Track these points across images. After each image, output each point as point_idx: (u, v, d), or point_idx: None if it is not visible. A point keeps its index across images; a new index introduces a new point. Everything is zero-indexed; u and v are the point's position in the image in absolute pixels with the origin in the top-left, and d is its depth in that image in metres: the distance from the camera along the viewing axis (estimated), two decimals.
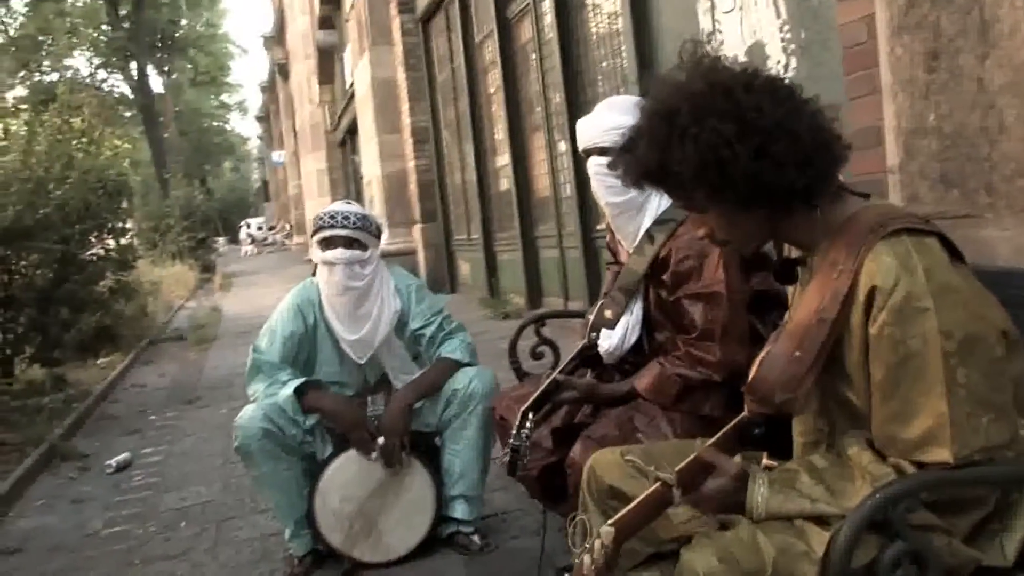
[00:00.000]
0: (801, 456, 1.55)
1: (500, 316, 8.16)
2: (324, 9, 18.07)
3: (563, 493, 2.26)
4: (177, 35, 41.14)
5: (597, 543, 1.52)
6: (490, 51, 8.91)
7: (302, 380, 2.97)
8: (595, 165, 2.30)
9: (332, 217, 2.98)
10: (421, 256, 11.31)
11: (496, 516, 3.37)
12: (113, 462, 4.97)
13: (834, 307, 1.40)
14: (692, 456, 1.52)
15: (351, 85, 15.01)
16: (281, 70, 28.12)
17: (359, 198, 15.81)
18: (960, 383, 1.33)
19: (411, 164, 11.52)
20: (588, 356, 2.48)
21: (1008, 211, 2.22)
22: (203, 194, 25.52)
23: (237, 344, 8.72)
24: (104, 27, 37.09)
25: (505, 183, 8.90)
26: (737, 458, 1.51)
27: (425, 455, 3.09)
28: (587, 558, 1.53)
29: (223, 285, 18.25)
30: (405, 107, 11.48)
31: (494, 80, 8.87)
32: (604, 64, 6.43)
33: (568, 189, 7.07)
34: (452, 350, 3.10)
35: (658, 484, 1.52)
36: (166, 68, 41.85)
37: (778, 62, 3.96)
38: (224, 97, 51.24)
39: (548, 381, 2.37)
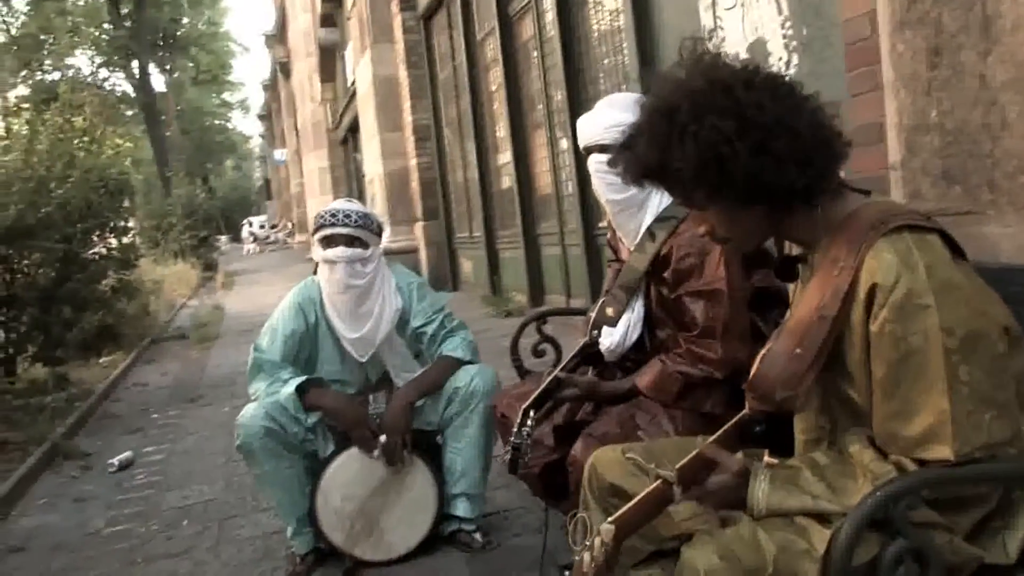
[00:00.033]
0: (802, 454, 1.55)
1: (502, 314, 8.16)
2: (325, 7, 18.06)
3: (565, 491, 2.26)
4: (179, 33, 41.11)
5: (597, 541, 1.51)
6: (492, 48, 8.90)
7: (304, 378, 2.97)
8: (596, 163, 2.30)
9: (333, 215, 2.98)
10: (423, 254, 11.31)
11: (498, 514, 3.37)
12: (115, 461, 4.98)
13: (835, 304, 1.40)
14: (693, 453, 1.52)
15: (353, 83, 15.01)
16: (283, 68, 28.14)
17: (361, 196, 15.82)
18: (962, 380, 1.32)
19: (413, 162, 11.51)
20: (589, 354, 2.47)
21: (1010, 207, 2.21)
22: (205, 192, 25.49)
23: (239, 342, 8.73)
24: (106, 26, 37.04)
25: (507, 181, 8.90)
26: (739, 455, 1.51)
27: (427, 453, 3.09)
28: (587, 556, 1.53)
29: (225, 283, 18.26)
30: (407, 105, 11.47)
31: (496, 78, 8.87)
32: (606, 61, 6.42)
33: (570, 187, 7.07)
34: (453, 348, 3.10)
35: (659, 482, 1.51)
36: (168, 67, 41.81)
37: (780, 59, 3.95)
38: (226, 95, 51.23)
39: (549, 379, 2.36)
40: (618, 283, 2.40)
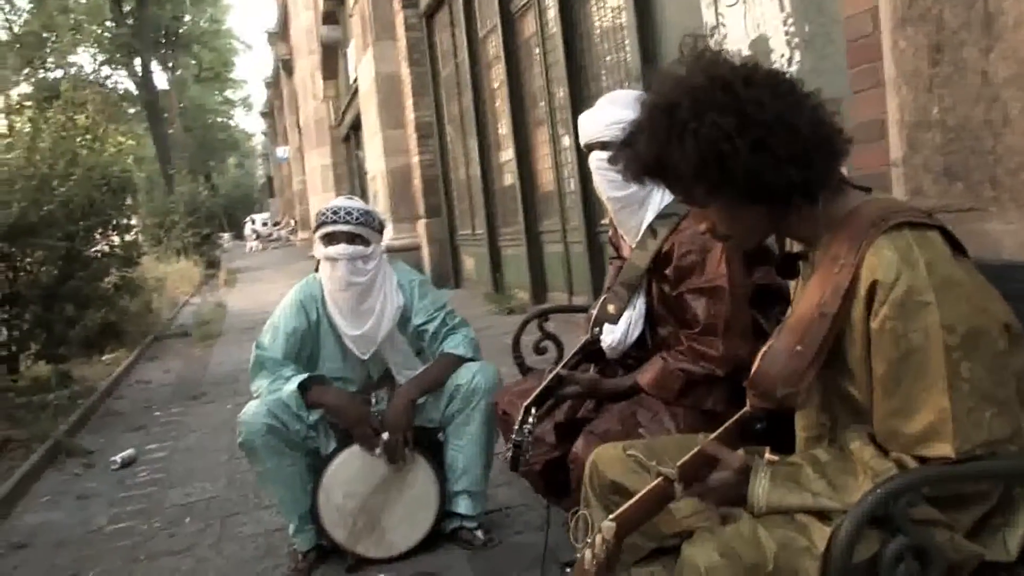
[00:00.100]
0: (803, 451, 1.54)
1: (504, 311, 8.16)
2: (328, 4, 18.07)
3: (566, 488, 2.26)
4: (181, 31, 41.17)
5: (599, 538, 1.51)
6: (494, 46, 8.90)
7: (305, 376, 2.97)
8: (596, 160, 2.30)
9: (335, 213, 2.98)
10: (425, 251, 11.32)
11: (500, 511, 3.37)
12: (118, 458, 4.99)
13: (835, 301, 1.40)
14: (694, 450, 1.52)
15: (355, 80, 15.02)
16: (285, 66, 28.15)
17: (363, 193, 15.84)
18: (963, 377, 1.32)
19: (415, 159, 11.52)
20: (591, 351, 2.47)
21: (1012, 204, 2.21)
22: (208, 190, 25.48)
23: (242, 340, 8.74)
24: (108, 24, 37.09)
25: (509, 178, 8.90)
26: (740, 452, 1.51)
27: (428, 451, 3.09)
28: (589, 553, 1.53)
29: (228, 281, 18.27)
30: (409, 102, 11.48)
31: (498, 75, 8.87)
32: (608, 59, 6.42)
33: (572, 184, 7.07)
34: (455, 345, 3.10)
35: (660, 479, 1.51)
36: (170, 64, 41.88)
37: (782, 56, 3.94)
38: (228, 93, 51.30)
39: (551, 376, 2.36)
40: (619, 280, 2.40)
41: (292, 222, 35.05)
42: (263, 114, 46.46)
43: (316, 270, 3.14)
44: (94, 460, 5.15)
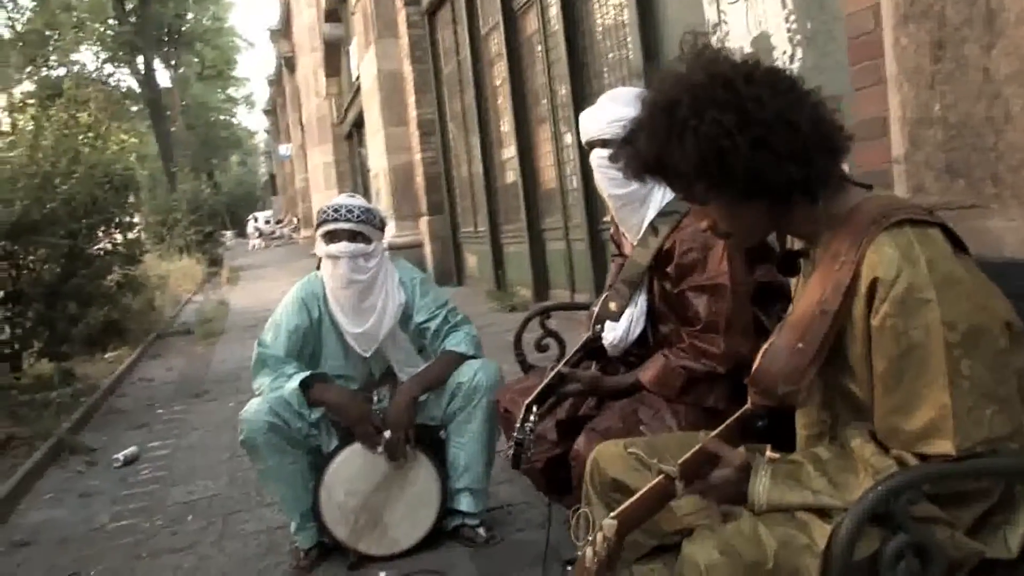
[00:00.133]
0: (804, 449, 1.54)
1: (507, 308, 8.16)
2: (330, 2, 18.09)
3: (568, 485, 2.26)
4: (183, 29, 41.17)
5: (599, 536, 1.51)
6: (496, 43, 8.90)
7: (307, 373, 2.97)
8: (597, 158, 2.30)
9: (336, 211, 2.98)
10: (428, 249, 11.32)
11: (501, 509, 3.37)
12: (120, 456, 5.00)
13: (836, 299, 1.40)
14: (695, 448, 1.52)
15: (357, 78, 15.03)
16: (287, 63, 28.15)
17: (366, 191, 15.84)
18: (964, 375, 1.32)
19: (417, 157, 11.52)
20: (593, 348, 2.47)
21: (1014, 201, 2.21)
22: (210, 188, 25.48)
23: (244, 338, 8.75)
24: (110, 21, 37.11)
25: (511, 175, 8.90)
26: (741, 449, 1.51)
27: (430, 448, 3.09)
28: (589, 551, 1.53)
29: (230, 279, 18.28)
30: (411, 100, 11.48)
31: (500, 72, 8.87)
32: (610, 56, 6.42)
33: (574, 181, 7.06)
34: (457, 343, 3.10)
35: (661, 477, 1.51)
36: (173, 62, 41.88)
37: (784, 53, 3.94)
38: (231, 91, 51.32)
39: (552, 374, 2.37)
40: (621, 278, 2.40)
41: (295, 220, 35.05)
42: (266, 112, 46.50)
43: (318, 268, 3.15)
44: (97, 458, 5.16)
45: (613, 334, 2.40)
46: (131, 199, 9.33)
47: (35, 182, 6.86)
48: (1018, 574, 1.40)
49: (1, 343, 7.02)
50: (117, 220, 8.51)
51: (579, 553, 1.59)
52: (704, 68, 1.41)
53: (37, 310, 6.98)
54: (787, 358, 1.46)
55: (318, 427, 3.01)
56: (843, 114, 1.47)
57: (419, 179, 11.57)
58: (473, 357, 3.09)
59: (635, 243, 2.37)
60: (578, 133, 2.41)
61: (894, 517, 1.30)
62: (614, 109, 2.24)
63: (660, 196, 2.29)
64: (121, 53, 38.01)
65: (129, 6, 36.50)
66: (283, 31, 27.94)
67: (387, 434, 2.95)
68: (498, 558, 2.98)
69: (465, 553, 3.04)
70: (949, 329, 1.32)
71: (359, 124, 17.04)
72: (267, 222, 41.62)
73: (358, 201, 3.06)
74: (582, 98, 6.57)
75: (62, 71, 34.30)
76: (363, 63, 13.03)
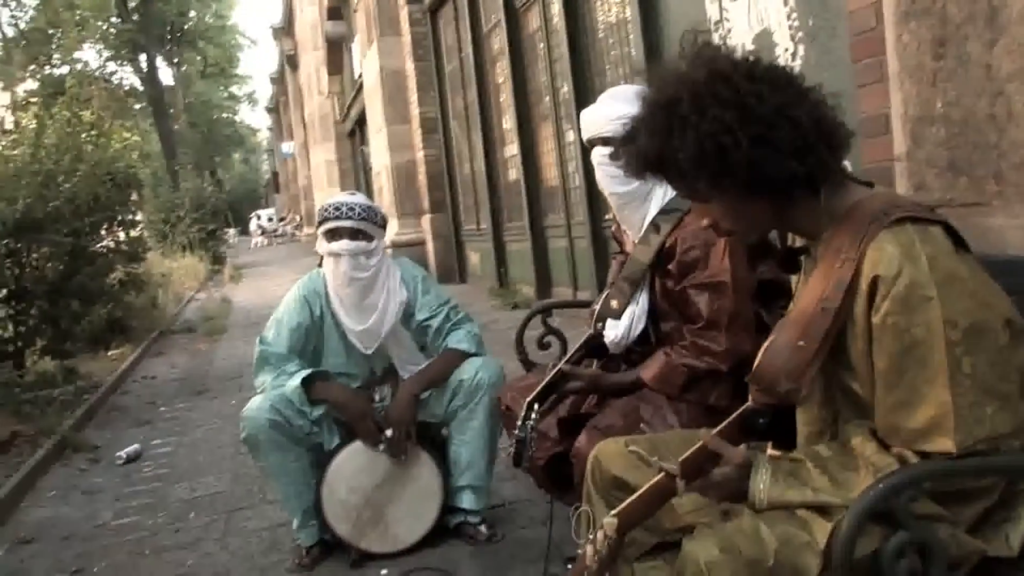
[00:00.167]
0: (805, 446, 1.54)
1: (509, 306, 8.16)
2: (332, 0, 18.06)
3: (570, 483, 2.26)
4: (186, 27, 41.17)
5: (600, 534, 1.52)
6: (498, 41, 8.89)
7: (309, 371, 2.97)
8: (599, 155, 2.30)
9: (337, 208, 2.98)
10: (430, 246, 11.32)
11: (503, 506, 3.38)
12: (123, 453, 5.00)
13: (837, 296, 1.40)
14: (696, 446, 1.52)
15: (360, 76, 15.02)
16: (290, 61, 28.16)
17: (368, 189, 15.84)
18: (965, 372, 1.32)
19: (420, 154, 11.52)
20: (594, 346, 2.47)
21: (1017, 198, 2.21)
22: (213, 186, 25.46)
23: (247, 335, 8.74)
24: (113, 19, 37.12)
25: (514, 173, 8.90)
26: (742, 447, 1.51)
27: (432, 445, 3.09)
28: (590, 549, 1.53)
29: (233, 276, 18.28)
30: (414, 97, 11.49)
31: (502, 70, 8.87)
32: (612, 53, 6.41)
33: (576, 179, 7.06)
34: (459, 340, 3.10)
35: (662, 474, 1.51)
36: (175, 60, 41.92)
37: (786, 50, 3.94)
38: (234, 89, 51.34)
39: (554, 372, 2.37)
40: (622, 275, 2.40)
41: (297, 218, 35.08)
42: (268, 110, 46.56)
43: (320, 265, 3.15)
44: (100, 455, 5.17)
45: (615, 332, 2.39)
46: (134, 197, 9.34)
47: (38, 180, 6.86)
48: (1019, 572, 1.40)
49: (4, 340, 7.02)
50: (120, 218, 8.52)
51: (580, 551, 1.59)
52: (704, 65, 1.41)
53: (40, 308, 6.99)
54: (788, 356, 1.46)
55: (320, 425, 3.01)
56: (843, 110, 1.47)
57: (421, 177, 11.57)
58: (475, 355, 3.09)
59: (637, 241, 2.37)
60: (580, 131, 2.41)
61: (895, 515, 1.30)
62: (615, 107, 2.23)
63: (662, 194, 2.29)
64: (124, 51, 38.02)
65: (132, 4, 36.49)
66: (286, 29, 27.95)
67: (388, 432, 2.95)
68: (500, 556, 2.98)
69: (467, 550, 3.05)
70: (950, 327, 1.32)
71: (361, 122, 17.04)
72: (270, 220, 41.64)
73: (359, 199, 3.06)
74: (584, 95, 6.56)
75: (65, 69, 34.32)
76: (365, 61, 13.03)
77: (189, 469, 4.67)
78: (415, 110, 11.48)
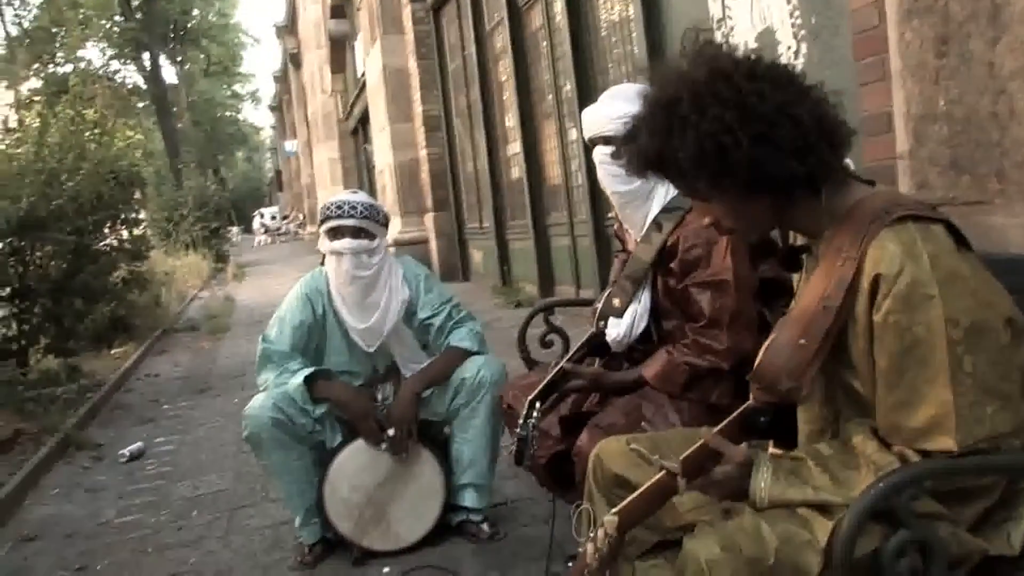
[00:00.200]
0: (807, 445, 1.54)
1: (512, 304, 8.17)
2: None
3: (572, 481, 2.26)
4: (189, 25, 41.21)
5: (601, 532, 1.52)
6: (501, 39, 8.89)
7: (311, 369, 2.98)
8: (600, 154, 2.30)
9: (339, 207, 2.98)
10: (433, 245, 11.32)
11: (506, 504, 3.38)
12: (127, 451, 5.01)
13: (839, 294, 1.40)
14: (698, 444, 1.52)
15: (363, 74, 15.01)
16: (293, 59, 28.16)
17: (371, 187, 15.84)
18: (966, 371, 1.32)
19: (423, 153, 11.52)
20: (596, 344, 2.47)
21: (1019, 197, 2.20)
22: (216, 184, 25.47)
23: (250, 333, 8.74)
24: (116, 18, 37.15)
25: (516, 171, 8.90)
26: (743, 445, 1.51)
27: (434, 444, 3.10)
28: (590, 547, 1.53)
29: (236, 275, 18.29)
30: (417, 96, 11.48)
31: (505, 68, 8.86)
32: (615, 51, 6.41)
33: (579, 177, 7.06)
34: (461, 339, 3.10)
35: (663, 473, 1.51)
36: (179, 58, 41.95)
37: (788, 48, 3.93)
38: (237, 87, 51.37)
39: (556, 370, 2.37)
40: (624, 274, 2.40)
41: (300, 216, 35.08)
42: (271, 108, 46.55)
43: (322, 263, 3.15)
44: (103, 453, 5.17)
45: (617, 330, 2.39)
46: (137, 195, 9.35)
47: (41, 178, 6.87)
48: (1020, 572, 1.40)
49: (8, 339, 7.04)
50: (123, 216, 8.53)
51: (581, 549, 1.59)
52: (705, 64, 1.41)
53: (43, 306, 7.00)
54: (789, 354, 1.46)
55: (322, 423, 3.02)
56: (845, 109, 1.46)
57: (424, 175, 11.57)
58: (477, 353, 3.09)
59: (639, 239, 2.37)
60: (582, 129, 2.41)
61: (896, 513, 1.30)
62: (616, 106, 2.23)
63: (663, 192, 2.29)
64: (127, 50, 38.04)
65: (135, 2, 36.53)
66: (289, 27, 27.95)
67: (391, 430, 2.96)
68: (502, 553, 2.98)
69: (469, 548, 3.05)
70: (952, 325, 1.32)
71: (364, 120, 17.03)
72: (273, 218, 41.64)
73: (361, 197, 3.06)
74: (587, 94, 6.56)
75: (69, 68, 34.36)
76: (369, 59, 13.02)
77: (192, 467, 4.68)
78: (418, 108, 11.48)
